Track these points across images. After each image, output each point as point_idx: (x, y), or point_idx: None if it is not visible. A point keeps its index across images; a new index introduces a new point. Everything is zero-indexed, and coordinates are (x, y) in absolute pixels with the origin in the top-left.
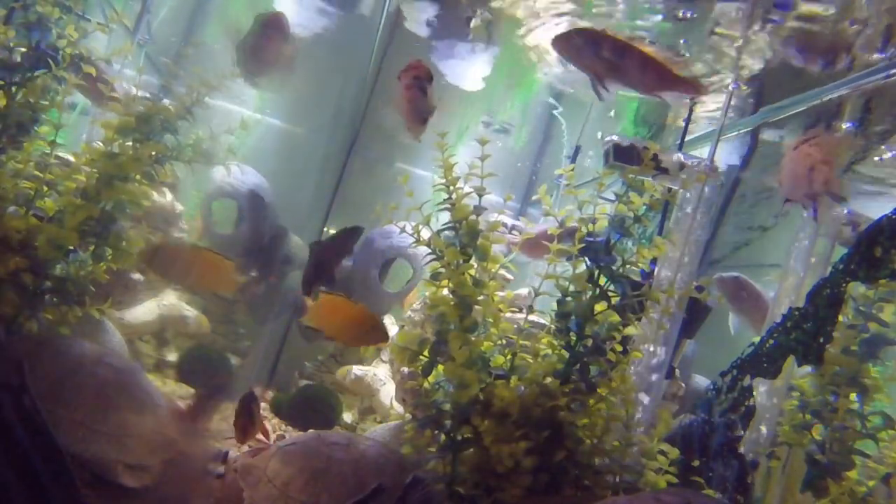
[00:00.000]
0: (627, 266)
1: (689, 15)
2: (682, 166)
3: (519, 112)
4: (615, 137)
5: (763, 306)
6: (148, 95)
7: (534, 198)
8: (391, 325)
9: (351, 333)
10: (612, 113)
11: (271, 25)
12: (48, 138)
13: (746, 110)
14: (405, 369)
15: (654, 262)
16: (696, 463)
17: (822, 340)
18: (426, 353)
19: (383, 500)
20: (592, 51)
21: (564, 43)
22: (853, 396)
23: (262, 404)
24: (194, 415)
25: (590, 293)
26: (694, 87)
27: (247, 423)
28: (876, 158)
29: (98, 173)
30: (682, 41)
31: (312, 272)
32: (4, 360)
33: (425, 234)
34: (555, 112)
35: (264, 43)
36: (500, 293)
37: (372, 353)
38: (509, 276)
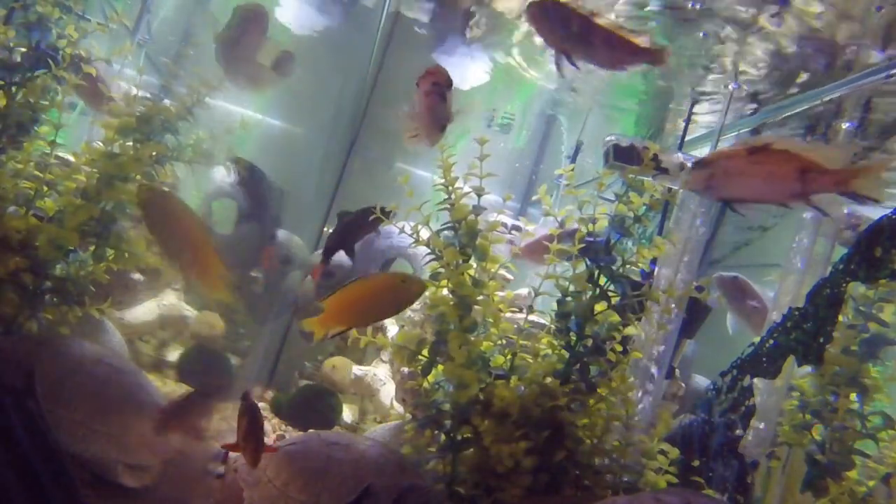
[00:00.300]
0: (627, 266)
1: (697, 7)
2: (682, 166)
3: (519, 112)
4: (615, 137)
5: (762, 307)
6: (148, 95)
7: (534, 198)
8: (391, 324)
9: (389, 304)
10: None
11: (250, 18)
12: (48, 138)
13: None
14: (405, 369)
15: (654, 262)
16: (696, 463)
17: (822, 340)
18: (425, 352)
19: (379, 500)
20: (560, 25)
21: (536, 11)
22: (853, 396)
23: (262, 404)
24: (183, 414)
25: (590, 293)
26: (658, 55)
27: (254, 436)
28: None
29: (98, 173)
30: (701, 34)
31: (337, 238)
32: (11, 363)
33: (425, 234)
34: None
35: (241, 36)
36: (500, 293)
37: (372, 352)
38: (509, 276)
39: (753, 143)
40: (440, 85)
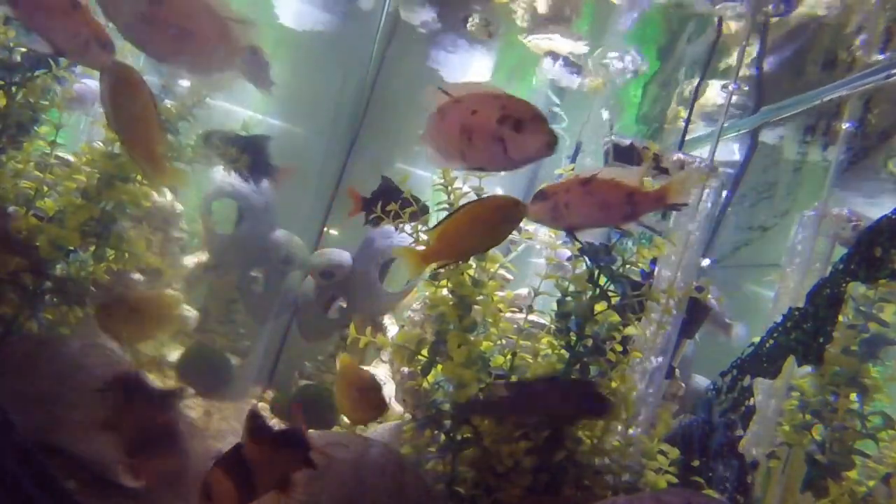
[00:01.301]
0: (627, 266)
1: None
2: (682, 166)
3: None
4: (614, 137)
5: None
6: None
7: None
8: (391, 325)
9: (497, 230)
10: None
11: None
12: (48, 138)
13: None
14: (405, 369)
15: (654, 262)
16: (696, 463)
17: (822, 340)
18: (425, 352)
19: None
20: None
21: None
22: (853, 396)
23: (262, 404)
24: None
25: (590, 293)
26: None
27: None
28: None
29: (98, 173)
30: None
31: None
32: None
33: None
34: (555, 109)
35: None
36: (500, 293)
37: (372, 352)
38: (509, 276)
39: (583, 177)
40: None
